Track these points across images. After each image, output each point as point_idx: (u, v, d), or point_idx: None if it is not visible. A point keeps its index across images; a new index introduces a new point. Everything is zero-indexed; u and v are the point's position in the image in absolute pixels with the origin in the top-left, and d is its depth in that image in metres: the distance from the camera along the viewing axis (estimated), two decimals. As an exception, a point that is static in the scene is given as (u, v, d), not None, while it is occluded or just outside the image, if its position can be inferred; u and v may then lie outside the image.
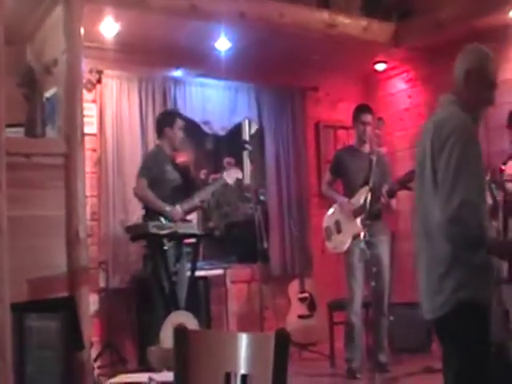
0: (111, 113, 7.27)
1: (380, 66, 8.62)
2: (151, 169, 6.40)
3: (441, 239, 3.01)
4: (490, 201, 6.98)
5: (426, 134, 3.17)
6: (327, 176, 6.87)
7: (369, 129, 6.57)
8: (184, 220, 6.41)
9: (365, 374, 6.31)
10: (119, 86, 7.34)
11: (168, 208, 6.27)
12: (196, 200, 6.48)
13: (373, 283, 6.13)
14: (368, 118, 6.58)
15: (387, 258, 6.46)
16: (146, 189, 6.32)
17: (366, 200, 6.15)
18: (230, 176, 6.70)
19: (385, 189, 6.22)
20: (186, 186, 6.64)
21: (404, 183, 6.39)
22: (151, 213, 6.31)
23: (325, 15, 7.52)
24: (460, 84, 3.24)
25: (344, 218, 6.49)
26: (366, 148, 6.58)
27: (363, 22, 7.78)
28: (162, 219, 6.23)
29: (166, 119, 6.62)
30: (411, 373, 6.30)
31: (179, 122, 6.57)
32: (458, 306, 2.99)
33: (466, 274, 2.99)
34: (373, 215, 6.21)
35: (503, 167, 6.13)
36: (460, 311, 2.99)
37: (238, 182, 7.87)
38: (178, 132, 6.54)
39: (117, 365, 6.67)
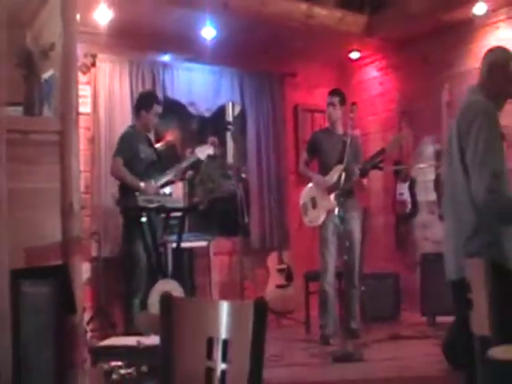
0: (104, 94, 7.21)
1: (354, 55, 8.61)
2: (125, 149, 6.35)
3: (469, 208, 3.19)
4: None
5: (455, 120, 3.35)
6: (304, 156, 6.86)
7: (333, 110, 6.57)
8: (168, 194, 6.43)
9: (337, 339, 6.31)
10: (112, 69, 7.28)
11: (142, 184, 6.23)
12: (170, 175, 6.48)
13: (345, 257, 6.14)
14: (333, 99, 6.58)
15: (359, 233, 6.46)
16: (122, 167, 6.29)
17: (339, 178, 6.14)
18: (202, 152, 6.67)
19: (357, 168, 6.23)
20: (172, 163, 6.62)
21: (375, 163, 6.41)
22: (125, 189, 6.28)
23: (303, 6, 7.49)
24: (484, 76, 3.42)
25: (319, 194, 6.49)
26: (340, 130, 6.58)
27: (338, 14, 7.75)
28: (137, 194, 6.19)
29: (144, 102, 6.55)
30: (380, 339, 6.34)
31: (156, 108, 6.50)
32: None
33: (491, 237, 3.17)
34: (346, 192, 6.20)
35: None
36: None
37: (220, 160, 7.85)
38: (152, 117, 6.50)
39: (107, 329, 6.65)
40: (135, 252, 6.18)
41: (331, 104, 6.59)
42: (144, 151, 6.44)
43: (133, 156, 6.34)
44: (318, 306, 6.46)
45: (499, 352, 2.62)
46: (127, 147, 6.36)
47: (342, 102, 6.60)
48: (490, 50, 3.54)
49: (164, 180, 6.43)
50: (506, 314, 2.71)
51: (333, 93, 6.68)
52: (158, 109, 6.55)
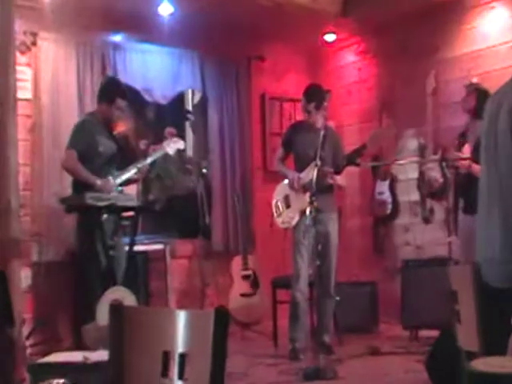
0: (47, 77, 7.11)
1: (329, 37, 8.61)
2: (81, 140, 6.23)
3: None
4: (440, 180, 7.10)
5: (501, 98, 3.23)
6: (279, 151, 6.84)
7: (308, 116, 6.50)
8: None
9: (308, 354, 6.33)
10: (56, 49, 7.19)
11: (99, 182, 6.11)
12: (131, 171, 6.37)
13: (318, 262, 6.11)
14: (308, 106, 6.45)
15: (336, 236, 6.45)
16: (76, 161, 6.17)
17: (313, 175, 6.13)
18: (171, 146, 6.60)
19: (328, 170, 6.23)
20: (125, 157, 6.55)
21: (351, 159, 6.41)
22: (80, 186, 6.16)
23: (272, -18, 7.49)
24: None
25: (293, 192, 6.48)
26: (319, 123, 6.49)
27: (312, -10, 7.76)
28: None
29: (106, 94, 6.44)
30: (356, 354, 6.34)
31: (119, 103, 6.38)
32: None
33: None
34: (323, 189, 6.18)
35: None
36: None
37: (180, 153, 7.81)
38: (114, 111, 6.40)
39: (50, 343, 6.59)
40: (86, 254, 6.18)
41: (306, 111, 6.53)
42: (103, 144, 6.32)
43: (89, 149, 6.21)
44: (287, 316, 6.45)
45: (481, 364, 2.63)
46: (83, 138, 6.24)
47: (319, 104, 6.46)
48: None
49: (124, 178, 6.35)
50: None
51: (307, 96, 6.55)
52: (121, 103, 6.42)
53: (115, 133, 6.71)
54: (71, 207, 6.22)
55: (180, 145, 6.69)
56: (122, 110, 6.47)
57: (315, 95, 6.55)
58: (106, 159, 6.31)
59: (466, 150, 6.17)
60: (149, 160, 6.47)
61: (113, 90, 6.51)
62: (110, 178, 6.21)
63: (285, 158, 6.78)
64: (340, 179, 6.53)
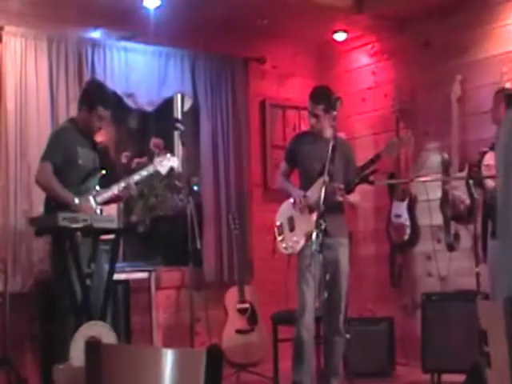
0: (13, 80, 7.12)
1: (339, 36, 8.64)
2: (58, 151, 6.23)
3: None
4: (467, 200, 7.09)
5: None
6: (283, 165, 6.82)
7: (315, 122, 6.48)
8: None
9: (314, 400, 6.33)
10: (24, 46, 7.18)
11: (77, 200, 6.13)
12: (114, 190, 6.37)
13: (325, 294, 6.09)
14: (315, 110, 6.44)
15: (346, 264, 6.41)
16: (51, 175, 6.16)
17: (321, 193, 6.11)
18: (163, 165, 6.59)
19: (338, 186, 6.20)
20: (104, 171, 6.56)
21: (364, 176, 6.39)
22: (53, 204, 6.14)
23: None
24: None
25: (298, 213, 6.46)
26: (328, 132, 6.48)
27: (320, -18, 7.80)
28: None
29: (88, 99, 6.42)
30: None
31: (100, 111, 6.34)
32: None
33: None
34: (332, 209, 6.16)
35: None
36: None
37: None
38: (94, 120, 6.36)
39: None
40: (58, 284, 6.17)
41: (314, 115, 6.49)
42: (83, 156, 6.31)
43: (67, 161, 6.22)
44: (290, 357, 6.43)
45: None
46: (61, 149, 6.23)
47: (329, 108, 6.41)
48: None
49: (106, 197, 6.34)
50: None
51: (315, 98, 6.50)
52: (103, 112, 6.37)
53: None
54: (42, 229, 6.23)
55: (173, 162, 6.67)
56: (103, 120, 6.45)
57: (324, 96, 6.48)
58: (85, 174, 6.29)
59: (489, 158, 6.18)
60: (135, 178, 6.47)
61: (95, 96, 6.46)
62: (91, 197, 6.21)
63: (289, 173, 6.76)
64: (353, 196, 6.51)
